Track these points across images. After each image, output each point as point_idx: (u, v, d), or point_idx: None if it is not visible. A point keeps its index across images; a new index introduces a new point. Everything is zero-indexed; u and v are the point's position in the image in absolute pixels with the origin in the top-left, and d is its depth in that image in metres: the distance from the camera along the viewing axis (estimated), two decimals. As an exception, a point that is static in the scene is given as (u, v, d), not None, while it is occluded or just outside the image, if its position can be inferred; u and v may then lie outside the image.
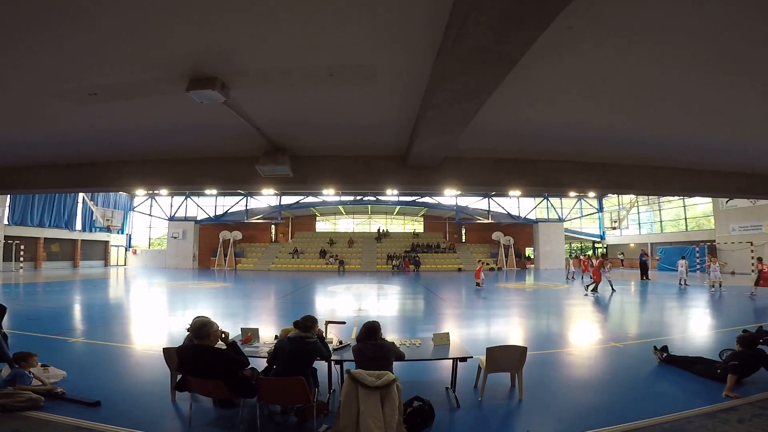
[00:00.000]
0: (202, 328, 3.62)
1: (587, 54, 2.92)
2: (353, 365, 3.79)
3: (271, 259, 32.84)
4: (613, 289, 15.82)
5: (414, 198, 32.74)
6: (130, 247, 36.29)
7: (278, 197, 32.84)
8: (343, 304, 13.33)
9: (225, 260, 33.13)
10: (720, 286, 15.66)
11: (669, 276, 22.65)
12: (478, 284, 17.71)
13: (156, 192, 31.71)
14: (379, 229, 37.11)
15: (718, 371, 4.96)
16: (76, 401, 4.23)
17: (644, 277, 18.86)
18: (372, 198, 31.63)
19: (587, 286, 15.59)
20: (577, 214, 37.37)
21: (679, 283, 18.11)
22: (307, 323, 4.00)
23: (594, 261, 18.15)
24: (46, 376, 4.77)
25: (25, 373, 4.53)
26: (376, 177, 6.08)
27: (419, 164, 5.75)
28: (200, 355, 3.57)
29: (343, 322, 6.66)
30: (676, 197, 29.10)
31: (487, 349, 4.68)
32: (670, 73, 3.22)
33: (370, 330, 3.95)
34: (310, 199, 32.64)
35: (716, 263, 15.95)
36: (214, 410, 4.19)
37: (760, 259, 14.91)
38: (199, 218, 34.72)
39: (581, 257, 25.99)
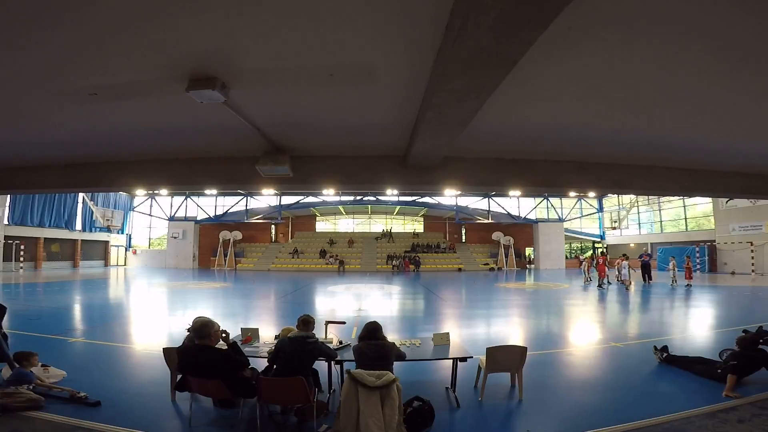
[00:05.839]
0: (203, 328, 3.62)
1: (587, 54, 2.92)
2: (353, 365, 3.79)
3: (271, 259, 32.84)
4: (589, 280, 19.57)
5: (414, 198, 32.73)
6: (130, 247, 36.28)
7: (278, 197, 32.83)
8: (343, 304, 13.33)
9: (225, 260, 33.12)
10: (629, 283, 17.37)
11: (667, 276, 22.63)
12: (600, 282, 17.65)
13: (156, 192, 31.70)
14: (383, 230, 37.14)
15: (718, 371, 4.96)
16: (76, 401, 4.23)
17: (647, 279, 18.83)
18: (372, 198, 31.61)
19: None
20: (577, 214, 37.36)
21: (671, 283, 18.30)
22: (304, 323, 4.01)
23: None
24: (46, 376, 4.77)
25: (29, 372, 4.53)
26: (376, 177, 6.08)
27: (419, 164, 5.75)
28: (201, 355, 3.57)
29: (343, 322, 6.66)
30: (676, 197, 29.11)
31: (487, 349, 4.68)
32: (671, 72, 3.22)
33: (372, 330, 3.96)
34: (310, 199, 32.62)
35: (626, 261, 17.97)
36: (214, 410, 4.19)
37: (603, 253, 18.60)
38: (199, 218, 34.71)
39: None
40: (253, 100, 3.91)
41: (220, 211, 34.79)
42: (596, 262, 19.15)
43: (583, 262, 21.23)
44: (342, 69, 3.21)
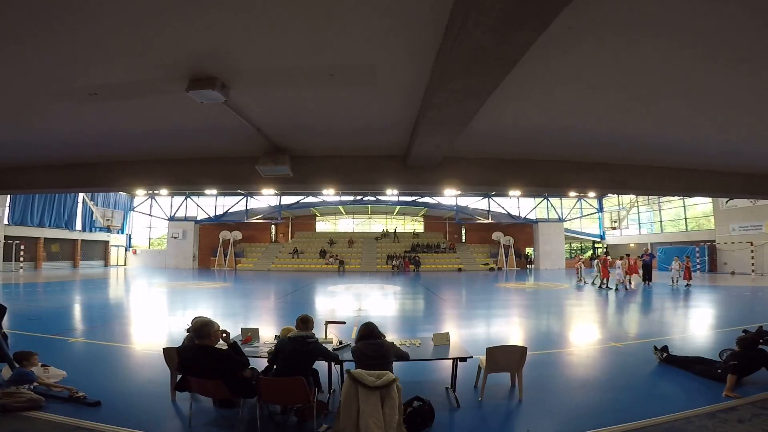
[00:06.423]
0: (203, 328, 3.62)
1: (588, 54, 2.92)
2: (353, 365, 3.79)
3: (271, 259, 32.83)
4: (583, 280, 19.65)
5: (414, 198, 32.71)
6: (130, 247, 36.27)
7: (278, 197, 32.82)
8: (343, 304, 13.33)
9: (225, 260, 33.10)
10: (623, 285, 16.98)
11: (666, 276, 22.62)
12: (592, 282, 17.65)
13: (156, 192, 31.69)
14: (383, 230, 37.12)
15: (718, 371, 4.96)
16: (76, 401, 4.23)
17: (646, 280, 18.67)
18: (372, 198, 31.61)
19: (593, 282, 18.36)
20: (577, 214, 37.35)
21: (672, 284, 18.22)
22: (303, 322, 4.02)
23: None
24: (46, 376, 4.77)
25: (31, 372, 4.52)
26: (376, 177, 6.08)
27: (419, 164, 5.75)
28: (201, 356, 3.57)
29: (343, 322, 6.66)
30: (676, 197, 29.10)
31: (487, 349, 4.68)
32: (672, 72, 3.22)
33: (370, 329, 3.96)
34: (310, 199, 32.61)
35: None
36: (214, 410, 4.18)
37: (628, 255, 18.18)
38: (199, 218, 34.69)
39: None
40: (253, 100, 3.91)
41: (220, 211, 34.78)
42: (598, 263, 19.03)
43: (579, 263, 21.17)
44: (342, 69, 3.21)
